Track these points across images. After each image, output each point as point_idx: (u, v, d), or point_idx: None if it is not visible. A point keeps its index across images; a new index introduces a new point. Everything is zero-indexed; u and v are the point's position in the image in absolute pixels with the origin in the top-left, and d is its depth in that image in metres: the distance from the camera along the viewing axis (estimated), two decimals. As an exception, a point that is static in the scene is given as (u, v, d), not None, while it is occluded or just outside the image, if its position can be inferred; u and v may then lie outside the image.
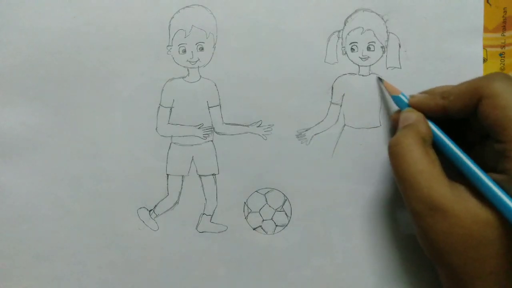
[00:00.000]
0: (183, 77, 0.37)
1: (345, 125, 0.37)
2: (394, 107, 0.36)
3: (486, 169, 0.30)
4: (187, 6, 0.37)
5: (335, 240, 0.38)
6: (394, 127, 0.35)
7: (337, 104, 0.37)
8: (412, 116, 0.32)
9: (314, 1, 0.37)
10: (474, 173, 0.29)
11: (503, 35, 0.37)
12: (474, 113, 0.30)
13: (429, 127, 0.32)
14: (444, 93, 0.32)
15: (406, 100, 0.34)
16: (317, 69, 0.37)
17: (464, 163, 0.30)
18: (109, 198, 0.37)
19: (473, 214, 0.28)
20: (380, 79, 0.36)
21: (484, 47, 0.37)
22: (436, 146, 0.32)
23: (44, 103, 0.37)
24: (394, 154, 0.30)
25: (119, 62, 0.37)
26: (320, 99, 0.37)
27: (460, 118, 0.32)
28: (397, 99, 0.35)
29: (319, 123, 0.37)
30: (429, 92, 0.34)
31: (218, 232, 0.38)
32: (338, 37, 0.37)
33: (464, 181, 0.30)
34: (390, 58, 0.37)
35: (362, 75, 0.37)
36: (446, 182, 0.29)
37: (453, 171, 0.31)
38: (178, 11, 0.37)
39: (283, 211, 0.38)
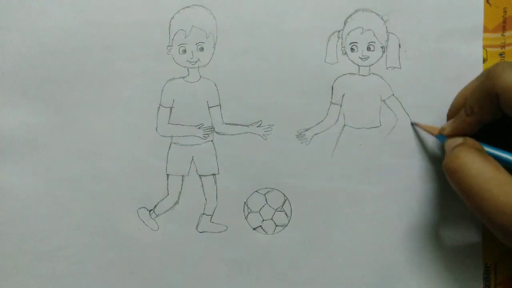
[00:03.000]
0: (183, 77, 0.37)
1: (345, 125, 0.37)
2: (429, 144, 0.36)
3: None
4: (187, 6, 0.37)
5: (335, 240, 0.38)
6: None
7: (337, 104, 0.37)
8: (457, 139, 0.31)
9: (314, 1, 0.37)
10: None
11: (503, 35, 0.37)
12: (500, 109, 0.29)
13: (478, 143, 0.31)
14: (466, 110, 0.31)
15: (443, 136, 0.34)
16: (317, 69, 0.37)
17: None
18: (109, 198, 0.37)
19: None
20: (413, 124, 0.36)
21: (484, 47, 0.37)
22: None
23: (44, 103, 0.37)
24: (455, 170, 0.28)
25: (119, 62, 0.37)
26: (320, 99, 0.37)
27: (497, 119, 0.30)
28: (437, 136, 0.34)
29: (319, 123, 0.37)
30: (452, 116, 0.34)
31: (218, 232, 0.38)
32: (338, 37, 0.37)
33: None
34: (390, 58, 0.37)
35: (362, 75, 0.37)
36: None
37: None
38: (178, 11, 0.37)
39: (283, 211, 0.38)
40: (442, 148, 0.35)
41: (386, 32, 0.37)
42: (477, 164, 0.28)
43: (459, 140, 0.31)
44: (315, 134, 0.37)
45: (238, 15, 0.37)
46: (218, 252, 0.38)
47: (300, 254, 0.38)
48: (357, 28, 0.37)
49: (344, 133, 0.37)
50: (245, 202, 0.38)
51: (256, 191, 0.38)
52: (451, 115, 0.34)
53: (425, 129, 0.35)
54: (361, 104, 0.37)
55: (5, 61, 0.37)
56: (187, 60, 0.37)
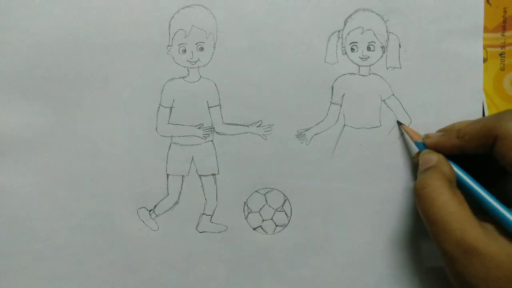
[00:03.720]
0: (183, 77, 0.37)
1: (345, 125, 0.37)
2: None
3: (510, 206, 0.30)
4: (187, 6, 0.37)
5: (335, 240, 0.38)
6: (416, 162, 0.35)
7: (337, 104, 0.37)
8: (433, 158, 0.32)
9: (314, 1, 0.37)
10: (503, 215, 0.29)
11: (503, 35, 0.37)
12: (492, 151, 0.30)
13: (452, 168, 0.32)
14: (459, 132, 0.32)
15: (424, 145, 0.34)
16: (317, 69, 0.37)
17: (490, 204, 0.30)
18: (109, 198, 0.37)
19: (508, 254, 0.27)
20: (399, 123, 0.37)
21: (484, 47, 0.37)
22: (459, 185, 0.31)
23: (44, 103, 0.37)
24: (422, 197, 0.30)
25: (119, 62, 0.37)
26: (320, 99, 0.37)
27: (478, 155, 0.31)
28: (416, 143, 0.35)
29: (319, 123, 0.37)
30: (445, 130, 0.34)
31: (218, 232, 0.38)
32: (338, 37, 0.37)
33: (489, 218, 0.30)
34: (390, 58, 0.37)
35: (362, 75, 0.37)
36: (477, 223, 0.28)
37: (475, 209, 0.30)
38: (178, 11, 0.37)
39: (283, 211, 0.38)
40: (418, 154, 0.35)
41: (386, 32, 0.37)
42: (444, 196, 0.29)
43: (433, 159, 0.32)
44: (315, 134, 0.37)
45: (238, 15, 0.37)
46: (218, 252, 0.38)
47: (300, 254, 0.38)
48: (357, 28, 0.37)
49: (344, 133, 0.37)
50: (245, 202, 0.38)
51: (256, 191, 0.38)
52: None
53: (408, 132, 0.36)
54: (361, 104, 0.37)
55: (5, 61, 0.37)
56: (187, 60, 0.37)
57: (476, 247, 0.27)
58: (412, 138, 0.35)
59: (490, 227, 0.29)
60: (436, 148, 0.33)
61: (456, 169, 0.32)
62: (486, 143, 0.30)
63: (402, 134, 0.37)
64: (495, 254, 0.27)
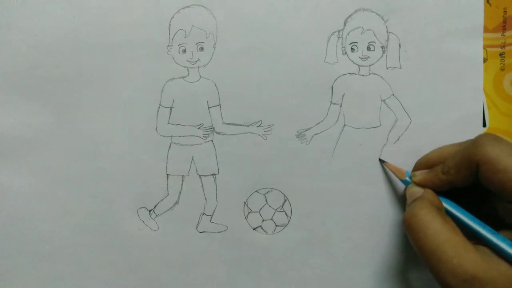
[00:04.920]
0: (183, 77, 0.37)
1: (345, 125, 0.37)
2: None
3: (502, 225, 0.30)
4: (187, 6, 0.37)
5: (335, 240, 0.38)
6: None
7: (337, 104, 0.37)
8: (419, 189, 0.32)
9: (314, 1, 0.37)
10: (494, 242, 0.28)
11: (503, 35, 0.37)
12: (477, 178, 0.30)
13: (438, 198, 0.31)
14: (443, 168, 0.31)
15: (410, 180, 0.34)
16: (317, 69, 0.37)
17: (480, 232, 0.29)
18: (109, 198, 0.37)
19: (508, 277, 0.27)
20: (381, 161, 0.37)
21: (484, 47, 0.37)
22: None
23: (44, 103, 0.37)
24: (413, 227, 0.29)
25: (119, 62, 0.37)
26: (320, 99, 0.37)
27: (465, 186, 0.31)
28: (401, 180, 0.35)
29: (319, 123, 0.37)
30: (425, 162, 0.34)
31: (218, 232, 0.38)
32: (338, 37, 0.37)
33: (481, 242, 0.29)
34: (390, 58, 0.37)
35: (362, 75, 0.37)
36: (473, 247, 0.27)
37: (466, 234, 0.29)
38: (178, 11, 0.37)
39: (283, 211, 0.38)
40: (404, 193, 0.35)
41: (386, 32, 0.37)
42: (435, 225, 0.28)
43: (419, 191, 0.32)
44: (315, 134, 0.37)
45: (238, 15, 0.37)
46: (218, 252, 0.38)
47: (300, 254, 0.38)
48: (357, 28, 0.37)
49: (344, 133, 0.37)
50: (245, 202, 0.38)
51: (256, 191, 0.38)
52: (420, 166, 0.35)
53: (392, 170, 0.36)
54: (361, 104, 0.37)
55: (5, 61, 0.37)
56: (187, 60, 0.37)
57: (475, 274, 0.26)
58: (397, 176, 0.35)
59: (485, 250, 0.28)
60: (426, 185, 0.33)
61: (442, 199, 0.32)
62: (470, 172, 0.29)
63: (385, 172, 0.37)
64: (495, 278, 0.26)
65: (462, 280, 0.26)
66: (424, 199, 0.30)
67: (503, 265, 0.27)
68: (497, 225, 0.30)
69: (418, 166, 0.35)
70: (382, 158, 0.37)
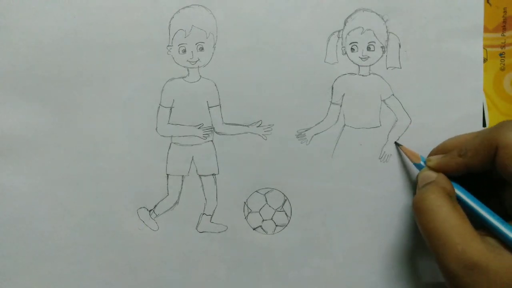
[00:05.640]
0: (183, 77, 0.37)
1: (345, 125, 0.37)
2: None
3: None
4: (187, 6, 0.37)
5: (335, 240, 0.38)
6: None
7: (337, 104, 0.37)
8: (432, 174, 0.32)
9: (314, 1, 0.37)
10: (502, 231, 0.28)
11: (503, 35, 0.37)
12: (493, 164, 0.30)
13: (451, 184, 0.31)
14: (460, 150, 0.31)
15: (424, 165, 0.34)
16: (317, 69, 0.37)
17: (489, 220, 0.29)
18: (109, 198, 0.37)
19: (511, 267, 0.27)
20: (397, 144, 0.36)
21: (484, 47, 0.37)
22: (458, 202, 0.31)
23: (44, 103, 0.37)
24: (422, 210, 0.29)
25: (119, 62, 0.37)
26: (320, 99, 0.37)
27: (480, 171, 0.31)
28: (415, 164, 0.35)
29: (319, 123, 0.37)
30: (442, 149, 0.34)
31: (218, 232, 0.38)
32: (338, 37, 0.37)
33: (490, 232, 0.29)
34: (390, 58, 0.37)
35: (362, 75, 0.37)
36: (479, 237, 0.27)
37: (476, 224, 0.29)
38: (178, 11, 0.37)
39: (283, 211, 0.38)
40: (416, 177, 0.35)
41: (386, 32, 0.37)
42: (444, 209, 0.28)
43: (432, 175, 0.32)
44: (315, 134, 0.37)
45: (238, 15, 0.37)
46: (218, 252, 0.38)
47: (300, 254, 0.38)
48: (357, 28, 0.37)
49: (344, 133, 0.37)
50: (245, 202, 0.38)
51: (256, 191, 0.38)
52: (436, 152, 0.35)
53: (407, 154, 0.36)
54: (361, 104, 0.37)
55: (5, 61, 0.37)
56: (187, 60, 0.37)
57: (478, 262, 0.26)
58: (411, 160, 0.35)
59: (492, 241, 0.28)
60: (440, 170, 0.32)
61: (454, 185, 0.32)
62: (488, 156, 0.29)
63: (400, 155, 0.37)
64: (498, 269, 0.26)
65: (464, 267, 0.27)
66: (436, 184, 0.30)
67: (507, 257, 0.27)
68: (506, 217, 0.30)
69: (434, 153, 0.35)
70: (398, 142, 0.37)
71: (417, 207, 0.30)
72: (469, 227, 0.28)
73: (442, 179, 0.31)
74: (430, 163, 0.33)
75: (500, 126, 0.29)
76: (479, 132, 0.31)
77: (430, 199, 0.29)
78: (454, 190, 0.31)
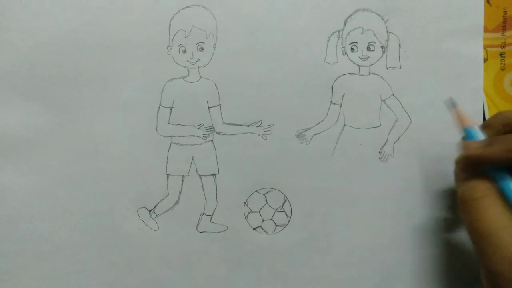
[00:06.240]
0: (183, 77, 0.37)
1: (345, 125, 0.37)
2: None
3: None
4: (187, 6, 0.37)
5: (335, 240, 0.37)
6: (457, 173, 0.31)
7: (337, 104, 0.37)
8: (481, 159, 0.28)
9: (314, 1, 0.37)
10: None
11: (503, 35, 0.37)
12: None
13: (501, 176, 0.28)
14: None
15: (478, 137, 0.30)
16: (317, 69, 0.37)
17: None
18: (109, 198, 0.37)
19: None
20: (451, 102, 0.32)
21: (484, 47, 0.37)
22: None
23: (44, 103, 0.37)
24: (472, 208, 0.27)
25: (119, 62, 0.37)
26: (320, 99, 0.37)
27: None
28: (468, 133, 0.30)
29: (319, 123, 0.37)
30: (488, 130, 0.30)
31: (218, 232, 0.38)
32: (338, 37, 0.37)
33: None
34: (390, 58, 0.37)
35: (362, 75, 0.37)
36: None
37: None
38: (178, 11, 0.37)
39: (283, 211, 0.38)
40: (455, 147, 0.32)
41: (386, 32, 0.37)
42: (495, 208, 0.26)
43: (484, 150, 0.28)
44: (315, 134, 0.37)
45: (238, 15, 0.37)
46: (218, 252, 0.38)
47: (300, 254, 0.38)
48: (357, 28, 0.37)
49: (344, 133, 0.37)
50: (245, 202, 0.38)
51: (256, 191, 0.38)
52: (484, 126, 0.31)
53: (459, 116, 0.31)
54: (361, 104, 0.37)
55: (5, 61, 0.37)
56: (187, 60, 0.37)
57: None
58: (462, 125, 0.31)
59: None
60: (487, 159, 0.28)
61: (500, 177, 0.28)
62: None
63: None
64: None
65: None
66: (484, 179, 0.28)
67: None
68: None
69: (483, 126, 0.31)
70: (452, 100, 0.32)
71: (467, 206, 0.27)
72: None
73: (491, 169, 0.28)
74: (475, 151, 0.28)
75: None
76: None
77: (479, 197, 0.27)
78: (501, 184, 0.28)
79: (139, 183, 0.37)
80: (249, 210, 0.38)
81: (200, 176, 0.38)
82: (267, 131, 0.37)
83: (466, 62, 0.37)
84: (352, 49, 0.37)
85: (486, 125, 0.30)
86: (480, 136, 0.30)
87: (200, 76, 0.37)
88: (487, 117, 0.38)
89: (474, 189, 0.28)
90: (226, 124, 0.37)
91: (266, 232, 0.38)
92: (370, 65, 0.37)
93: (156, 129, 0.37)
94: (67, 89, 0.37)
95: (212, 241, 0.38)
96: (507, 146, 0.27)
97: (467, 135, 0.30)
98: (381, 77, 0.37)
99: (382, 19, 0.37)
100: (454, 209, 0.37)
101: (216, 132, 0.37)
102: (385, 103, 0.37)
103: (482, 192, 0.27)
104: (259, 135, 0.37)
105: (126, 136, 0.37)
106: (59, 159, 0.37)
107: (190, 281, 0.38)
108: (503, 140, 0.27)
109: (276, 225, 0.38)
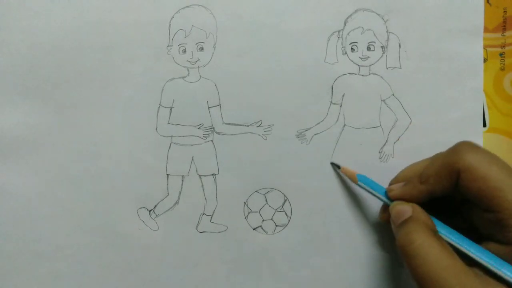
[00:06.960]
0: (183, 77, 0.37)
1: (345, 125, 0.37)
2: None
3: (481, 236, 0.29)
4: (187, 6, 0.37)
5: (335, 240, 0.38)
6: (384, 221, 0.34)
7: (337, 104, 0.37)
8: (407, 208, 0.30)
9: (314, 1, 0.37)
10: (495, 271, 0.27)
11: (503, 35, 0.37)
12: (456, 186, 0.29)
13: (428, 215, 0.30)
14: (421, 177, 0.31)
15: (385, 196, 0.33)
16: (317, 69, 0.37)
17: (478, 256, 0.28)
18: (109, 198, 0.37)
19: None
20: (337, 166, 0.36)
21: (484, 47, 0.37)
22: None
23: (44, 103, 0.37)
24: (411, 254, 0.27)
25: (119, 62, 0.37)
26: (320, 99, 0.37)
27: (442, 195, 0.30)
28: (361, 178, 0.34)
29: (319, 123, 0.37)
30: (401, 178, 0.33)
31: (218, 232, 0.38)
32: (338, 37, 0.37)
33: (469, 261, 0.28)
34: (390, 58, 0.37)
35: (362, 75, 0.37)
36: (472, 272, 0.27)
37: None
38: (178, 11, 0.37)
39: (283, 211, 0.38)
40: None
41: (386, 32, 0.37)
42: (434, 250, 0.27)
43: (408, 209, 0.30)
44: (315, 134, 0.37)
45: (238, 15, 0.37)
46: (218, 252, 0.38)
47: (300, 254, 0.38)
48: (357, 28, 0.37)
49: (344, 133, 0.37)
50: (245, 202, 0.38)
51: (256, 191, 0.38)
52: (395, 181, 0.34)
53: (346, 174, 0.35)
54: (361, 104, 0.37)
55: (5, 61, 0.37)
56: (187, 60, 0.37)
57: None
58: (352, 181, 0.35)
59: (479, 272, 0.28)
60: (404, 198, 0.32)
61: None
62: (450, 180, 0.29)
63: (338, 176, 0.37)
64: None
65: None
66: (417, 221, 0.29)
67: (499, 286, 0.27)
68: (471, 234, 0.30)
69: (393, 182, 0.35)
70: (333, 161, 0.36)
71: (406, 252, 0.28)
72: (461, 264, 0.27)
73: (419, 212, 0.30)
74: (392, 193, 0.32)
75: (458, 149, 0.29)
76: (436, 157, 0.31)
77: (418, 241, 0.28)
78: (433, 223, 0.30)
79: (139, 183, 0.37)
80: (249, 210, 0.38)
81: (200, 176, 0.38)
82: (267, 131, 0.37)
83: (466, 62, 0.37)
84: (352, 49, 0.37)
85: (398, 178, 0.34)
86: (368, 178, 0.34)
87: (200, 76, 0.37)
88: (487, 117, 0.38)
89: (409, 235, 0.28)
90: (226, 124, 0.37)
91: (266, 232, 0.38)
92: (370, 65, 0.37)
93: (156, 129, 0.37)
94: (67, 89, 0.37)
95: (212, 241, 0.38)
96: (420, 179, 0.31)
97: (361, 180, 0.34)
98: (381, 77, 0.37)
99: (382, 19, 0.37)
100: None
101: (216, 132, 0.37)
102: (385, 103, 0.37)
103: (418, 235, 0.28)
104: (259, 135, 0.37)
105: (126, 136, 0.37)
106: (59, 159, 0.37)
107: (190, 281, 0.38)
108: (412, 181, 0.31)
109: (276, 225, 0.38)
